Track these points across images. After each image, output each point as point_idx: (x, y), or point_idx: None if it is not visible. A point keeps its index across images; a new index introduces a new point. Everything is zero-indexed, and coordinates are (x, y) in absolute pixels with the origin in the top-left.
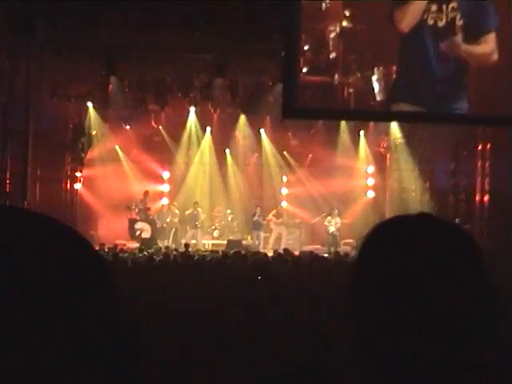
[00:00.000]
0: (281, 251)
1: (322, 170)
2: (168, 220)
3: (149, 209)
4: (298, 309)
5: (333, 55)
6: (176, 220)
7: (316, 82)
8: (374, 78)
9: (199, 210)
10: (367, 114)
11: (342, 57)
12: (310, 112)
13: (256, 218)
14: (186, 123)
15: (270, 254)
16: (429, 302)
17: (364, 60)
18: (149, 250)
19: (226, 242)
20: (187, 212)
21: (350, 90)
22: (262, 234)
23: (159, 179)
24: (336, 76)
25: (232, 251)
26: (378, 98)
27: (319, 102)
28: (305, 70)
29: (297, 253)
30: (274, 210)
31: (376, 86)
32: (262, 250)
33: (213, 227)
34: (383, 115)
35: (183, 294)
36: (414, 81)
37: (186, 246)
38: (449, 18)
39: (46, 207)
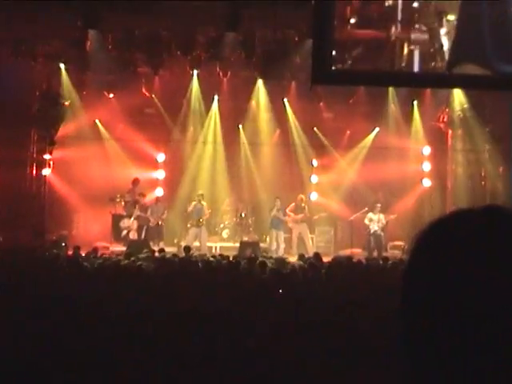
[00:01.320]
0: (307, 256)
1: (364, 151)
2: (164, 216)
3: (139, 201)
4: (331, 339)
5: (389, 2)
6: (174, 216)
7: (365, 37)
8: (443, 31)
9: (204, 203)
10: (429, 79)
11: (403, 4)
12: (349, 76)
13: (274, 212)
14: (187, 91)
15: (294, 259)
16: (505, 323)
17: (429, 9)
18: (139, 256)
19: (238, 244)
20: (189, 207)
21: (412, 48)
22: (282, 235)
23: (152, 163)
24: (393, 29)
25: (246, 257)
26: (447, 58)
27: (366, 64)
28: (352, 21)
29: (329, 259)
30: (293, 204)
31: (445, 42)
32: (283, 255)
33: (221, 226)
34: (451, 80)
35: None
36: (480, 37)
37: (187, 249)
38: None
39: (3, 198)
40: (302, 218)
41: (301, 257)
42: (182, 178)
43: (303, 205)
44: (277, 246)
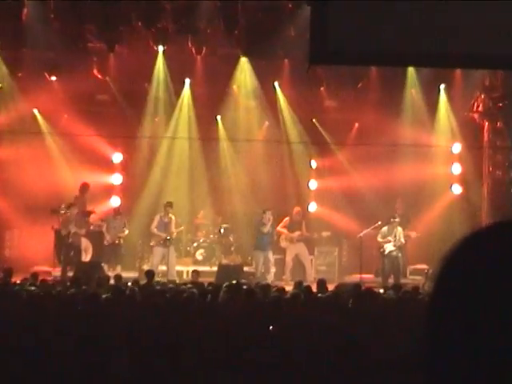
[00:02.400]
0: (306, 283)
1: (376, 149)
2: (123, 233)
3: (89, 213)
4: None
5: None
6: (135, 232)
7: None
8: None
9: (172, 216)
10: (462, 56)
11: None
12: (358, 54)
13: (262, 228)
14: (151, 73)
15: (290, 287)
16: None
17: None
18: (90, 283)
19: (216, 268)
20: (154, 222)
21: None
22: (272, 256)
23: (106, 165)
24: None
25: (226, 284)
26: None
27: (377, 41)
28: None
29: (332, 287)
30: (287, 218)
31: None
32: (273, 282)
33: (195, 245)
34: (489, 59)
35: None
36: None
37: (150, 275)
38: None
39: None
40: (298, 237)
41: (298, 285)
42: (144, 184)
43: (300, 219)
44: (265, 270)
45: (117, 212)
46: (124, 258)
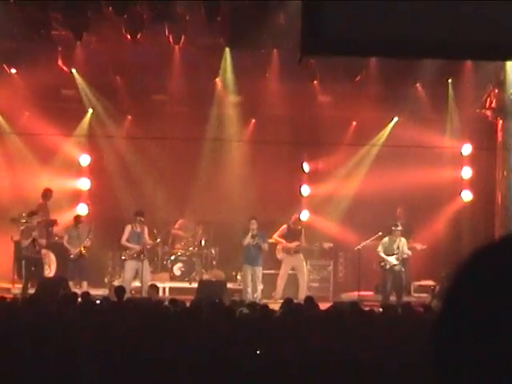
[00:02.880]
0: (298, 301)
1: (376, 151)
2: (88, 243)
3: (53, 223)
4: None
5: None
6: (104, 244)
7: None
8: None
9: (145, 227)
10: (471, 46)
11: None
12: (356, 43)
13: (249, 240)
14: (123, 64)
15: (278, 306)
16: None
17: None
18: (53, 301)
19: (196, 284)
20: (125, 232)
21: None
22: (261, 271)
23: (73, 168)
24: None
25: (207, 303)
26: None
27: (376, 29)
28: None
29: (326, 305)
30: (285, 226)
31: None
32: (261, 301)
33: (172, 258)
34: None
35: None
36: None
37: (120, 292)
38: None
39: None
40: (297, 247)
41: (287, 303)
42: (115, 190)
43: (300, 228)
44: (253, 287)
45: (78, 220)
46: (91, 272)
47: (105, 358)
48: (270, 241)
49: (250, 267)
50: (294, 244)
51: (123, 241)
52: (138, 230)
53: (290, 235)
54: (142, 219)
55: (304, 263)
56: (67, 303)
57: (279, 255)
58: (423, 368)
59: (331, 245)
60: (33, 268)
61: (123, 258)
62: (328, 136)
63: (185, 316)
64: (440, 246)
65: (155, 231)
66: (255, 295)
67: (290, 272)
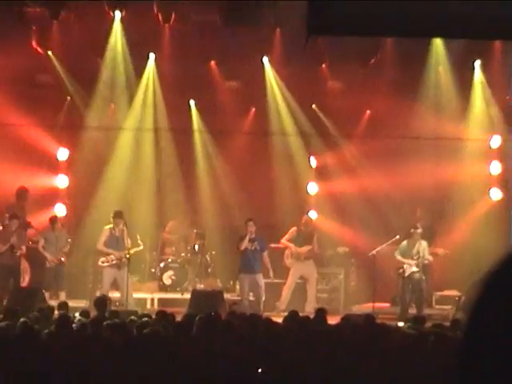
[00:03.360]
0: (305, 314)
1: (393, 143)
2: (66, 248)
3: (27, 225)
4: None
5: None
6: (85, 250)
7: None
8: None
9: (124, 229)
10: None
11: None
12: (370, 21)
13: (247, 244)
14: (105, 45)
15: (281, 319)
16: None
17: None
18: (28, 315)
19: (189, 295)
20: (103, 235)
21: None
22: (261, 278)
23: (49, 164)
24: None
25: (201, 316)
26: None
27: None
28: None
29: (336, 319)
30: (294, 228)
31: None
32: (263, 313)
33: (161, 265)
34: None
35: None
36: None
37: (100, 304)
38: None
39: None
40: (308, 253)
41: (292, 316)
42: (96, 188)
43: (311, 230)
44: (256, 297)
45: (54, 222)
46: (70, 282)
47: (83, 379)
48: (274, 245)
49: (248, 276)
50: (304, 249)
51: (99, 245)
52: (117, 233)
53: (301, 239)
54: (121, 221)
55: (315, 271)
56: (44, 316)
57: (288, 261)
58: None
59: (347, 249)
60: (9, 277)
61: (100, 264)
62: (338, 127)
63: (175, 332)
64: (466, 251)
65: (138, 237)
66: (259, 306)
67: (298, 281)
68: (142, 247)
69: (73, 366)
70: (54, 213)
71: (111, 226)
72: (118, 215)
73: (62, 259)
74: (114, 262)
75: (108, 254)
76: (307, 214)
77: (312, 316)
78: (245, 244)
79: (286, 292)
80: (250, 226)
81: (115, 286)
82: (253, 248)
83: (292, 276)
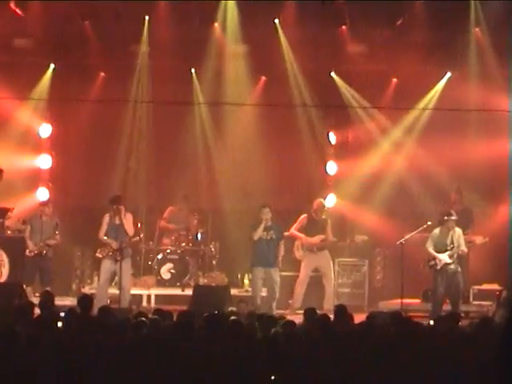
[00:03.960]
0: (323, 312)
1: (424, 116)
2: (55, 239)
3: (5, 212)
4: None
5: None
6: (73, 240)
7: None
8: None
9: (123, 217)
10: None
11: None
12: None
13: (261, 233)
14: (93, 5)
15: (297, 318)
16: None
17: None
18: (6, 313)
19: (191, 291)
20: (102, 225)
21: None
22: (277, 273)
23: (30, 142)
24: None
25: (205, 315)
26: None
27: None
28: None
29: (361, 318)
30: (304, 216)
31: None
32: (277, 312)
33: (159, 257)
34: None
35: None
36: None
37: (84, 302)
38: None
39: None
40: (321, 243)
41: (309, 315)
42: (84, 169)
43: (324, 217)
44: (269, 294)
45: (44, 208)
46: (55, 276)
47: None
48: (286, 234)
49: (262, 269)
50: (317, 238)
51: (101, 236)
52: (117, 221)
53: (312, 227)
54: (120, 207)
55: (331, 263)
56: (23, 315)
57: (298, 254)
58: None
59: (366, 238)
60: None
61: (97, 255)
62: (361, 97)
63: (173, 332)
64: (507, 240)
65: (139, 225)
66: (272, 303)
67: (312, 274)
68: (141, 235)
69: (56, 371)
70: (36, 198)
71: (110, 213)
72: (116, 200)
73: (45, 251)
74: (110, 254)
75: (106, 245)
76: (322, 199)
77: (331, 314)
78: (259, 233)
79: (300, 288)
80: (265, 214)
81: (112, 280)
82: (268, 238)
83: (305, 269)
